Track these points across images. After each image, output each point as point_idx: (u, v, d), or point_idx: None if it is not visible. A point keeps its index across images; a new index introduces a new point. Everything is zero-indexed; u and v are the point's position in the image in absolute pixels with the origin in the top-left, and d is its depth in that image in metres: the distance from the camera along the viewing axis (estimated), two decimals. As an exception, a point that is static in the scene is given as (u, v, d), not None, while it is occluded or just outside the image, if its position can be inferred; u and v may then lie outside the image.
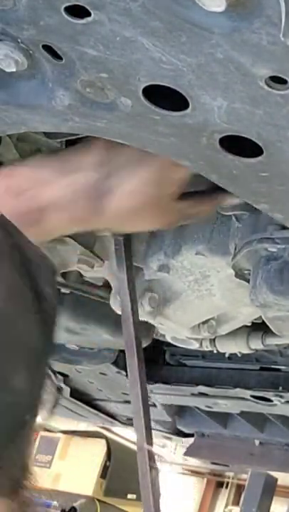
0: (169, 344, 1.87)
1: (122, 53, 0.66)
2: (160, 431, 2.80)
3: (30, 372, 0.55)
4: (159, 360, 2.32)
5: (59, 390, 1.17)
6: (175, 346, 1.79)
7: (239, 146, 0.75)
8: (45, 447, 6.39)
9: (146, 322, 1.56)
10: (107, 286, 1.49)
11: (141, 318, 1.46)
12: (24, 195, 0.90)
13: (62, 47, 0.68)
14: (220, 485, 13.47)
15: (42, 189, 0.91)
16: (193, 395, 2.26)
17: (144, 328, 1.82)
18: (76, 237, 1.27)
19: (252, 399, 2.15)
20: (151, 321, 1.53)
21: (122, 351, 2.18)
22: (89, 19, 0.63)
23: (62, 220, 0.92)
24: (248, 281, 1.20)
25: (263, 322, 1.33)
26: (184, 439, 2.79)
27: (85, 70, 0.70)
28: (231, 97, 0.67)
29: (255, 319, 1.55)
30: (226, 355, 2.04)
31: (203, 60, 0.63)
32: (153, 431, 2.90)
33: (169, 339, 1.69)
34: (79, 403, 2.63)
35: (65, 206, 0.91)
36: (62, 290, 1.55)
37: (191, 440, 2.73)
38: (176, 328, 1.53)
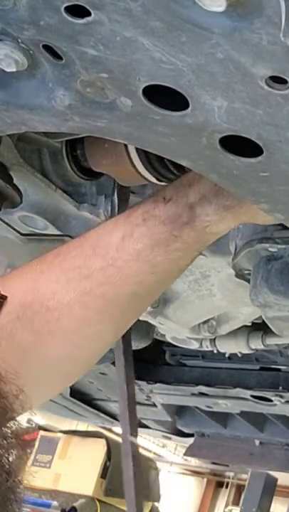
0: (169, 344, 1.87)
1: (122, 53, 0.66)
2: (160, 431, 2.80)
3: None
4: (159, 360, 2.33)
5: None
6: (175, 346, 1.79)
7: (239, 146, 0.75)
8: (45, 447, 6.38)
9: (147, 322, 1.56)
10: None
11: (141, 318, 1.46)
12: (171, 200, 0.94)
13: (62, 47, 0.68)
14: (220, 485, 13.47)
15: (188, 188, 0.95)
16: (193, 394, 2.26)
17: (144, 328, 1.83)
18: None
19: (252, 399, 2.15)
20: (151, 321, 1.53)
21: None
22: (89, 19, 0.63)
23: (211, 210, 0.93)
24: (248, 281, 1.20)
25: (263, 322, 1.33)
26: (183, 439, 2.79)
27: (85, 69, 0.70)
28: (231, 97, 0.67)
29: (255, 319, 1.55)
30: (226, 355, 2.04)
31: (203, 60, 0.63)
32: (153, 431, 2.89)
33: (169, 339, 1.69)
34: (79, 403, 2.63)
35: (210, 198, 0.93)
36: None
37: (191, 440, 2.73)
38: (176, 328, 1.53)
